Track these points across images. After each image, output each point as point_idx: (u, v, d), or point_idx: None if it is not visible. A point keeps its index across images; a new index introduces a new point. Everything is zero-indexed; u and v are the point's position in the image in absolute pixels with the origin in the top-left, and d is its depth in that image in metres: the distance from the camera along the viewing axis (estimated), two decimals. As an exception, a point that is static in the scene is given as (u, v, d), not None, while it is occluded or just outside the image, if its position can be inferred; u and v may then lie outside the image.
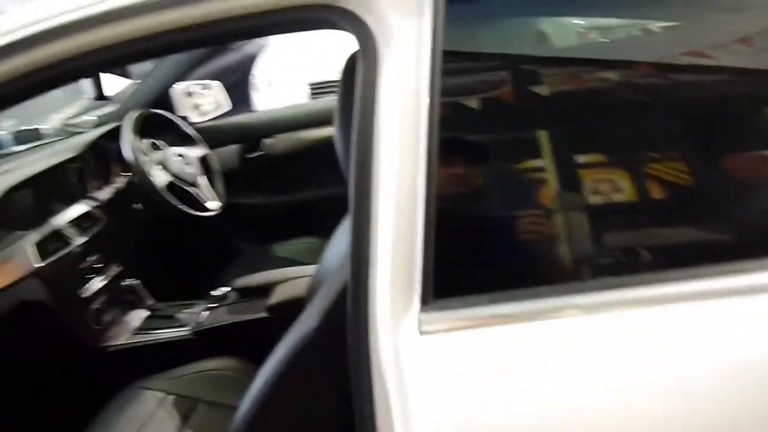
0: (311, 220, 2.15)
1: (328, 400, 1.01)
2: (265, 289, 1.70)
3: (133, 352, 1.75)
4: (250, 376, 1.10)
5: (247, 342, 1.62)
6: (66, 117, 2.70)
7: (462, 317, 0.79)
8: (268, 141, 2.43)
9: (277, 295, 1.63)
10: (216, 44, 1.19)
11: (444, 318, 0.79)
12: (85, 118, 2.33)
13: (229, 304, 1.75)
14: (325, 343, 0.93)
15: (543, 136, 0.88)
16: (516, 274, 0.86)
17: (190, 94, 2.70)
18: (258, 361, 1.09)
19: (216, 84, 2.66)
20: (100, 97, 1.39)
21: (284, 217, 2.48)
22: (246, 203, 2.46)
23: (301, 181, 2.47)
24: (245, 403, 1.04)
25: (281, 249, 2.26)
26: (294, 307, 1.13)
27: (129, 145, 1.90)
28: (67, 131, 2.25)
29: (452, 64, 0.82)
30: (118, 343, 1.77)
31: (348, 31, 0.85)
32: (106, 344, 1.76)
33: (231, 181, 2.31)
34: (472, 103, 0.89)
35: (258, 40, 6.30)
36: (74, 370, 1.74)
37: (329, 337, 0.92)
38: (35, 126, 4.90)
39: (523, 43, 0.93)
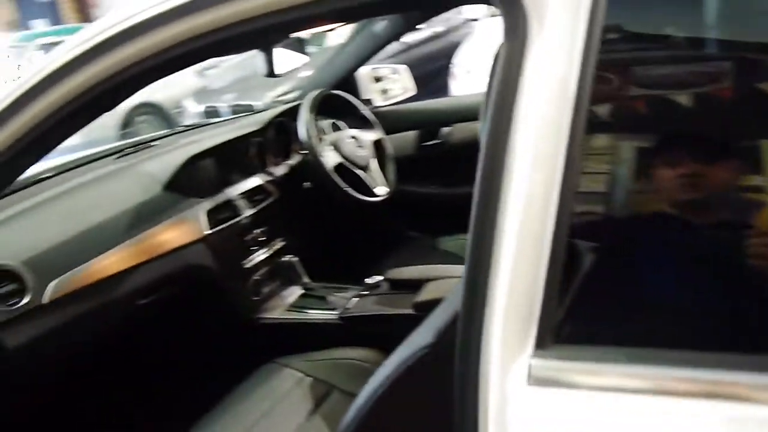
0: None
1: (435, 416, 0.90)
2: (417, 284, 1.62)
3: (281, 328, 1.77)
4: None
5: (389, 335, 1.56)
6: (276, 95, 2.86)
7: (587, 371, 0.63)
8: (445, 130, 2.33)
9: (426, 293, 1.54)
10: (360, 19, 1.12)
11: (564, 368, 0.63)
12: (290, 96, 2.43)
13: (379, 294, 1.70)
14: (438, 362, 0.82)
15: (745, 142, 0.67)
16: (681, 328, 0.66)
17: (378, 78, 2.70)
18: None
19: (403, 68, 2.63)
20: (271, 74, 1.41)
21: (455, 210, 2.37)
22: (416, 192, 2.39)
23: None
24: (359, 400, 0.97)
25: (447, 243, 2.17)
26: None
27: (304, 123, 1.92)
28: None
29: (617, 50, 0.66)
30: (271, 316, 1.80)
31: (494, 3, 0.72)
32: (260, 316, 1.81)
33: (404, 168, 2.25)
34: (638, 99, 0.70)
35: (464, 29, 6.27)
36: (224, 337, 1.81)
37: (441, 357, 0.81)
38: (249, 102, 5.34)
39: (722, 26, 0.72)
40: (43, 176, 1.75)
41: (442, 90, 5.33)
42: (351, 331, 1.66)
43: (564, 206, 0.63)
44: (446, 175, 2.38)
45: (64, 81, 0.88)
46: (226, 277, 1.75)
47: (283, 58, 1.90)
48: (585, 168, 0.66)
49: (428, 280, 1.60)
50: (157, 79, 0.97)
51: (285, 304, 1.84)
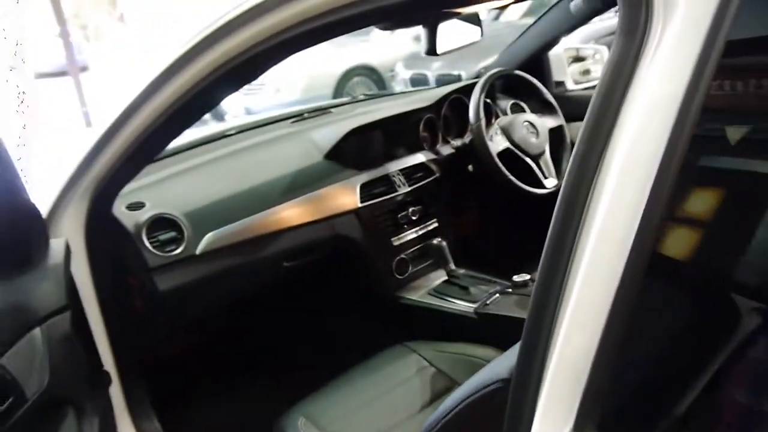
0: None
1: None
2: None
3: (418, 311, 1.74)
4: None
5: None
6: (483, 66, 2.79)
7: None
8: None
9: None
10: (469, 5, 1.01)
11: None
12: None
13: (522, 295, 1.59)
14: (506, 400, 0.74)
15: None
16: None
17: (579, 59, 2.51)
18: None
19: (603, 49, 2.41)
20: (432, 52, 1.34)
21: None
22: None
23: None
24: (431, 419, 0.91)
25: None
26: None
27: (475, 103, 1.83)
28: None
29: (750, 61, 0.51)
30: (411, 297, 1.78)
31: None
32: (400, 295, 1.80)
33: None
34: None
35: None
36: (361, 310, 1.83)
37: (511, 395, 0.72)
38: (457, 72, 5.28)
39: None
40: (227, 134, 1.89)
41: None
42: (484, 328, 1.58)
43: (638, 253, 0.51)
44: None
45: (217, 45, 0.91)
46: (373, 252, 1.76)
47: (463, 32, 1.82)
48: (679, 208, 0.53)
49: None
50: (310, 45, 0.96)
51: (426, 288, 1.81)
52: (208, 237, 1.47)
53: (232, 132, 1.91)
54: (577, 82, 2.39)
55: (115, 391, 1.33)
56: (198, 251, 1.46)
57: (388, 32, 6.57)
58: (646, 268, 0.55)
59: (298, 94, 6.11)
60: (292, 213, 1.60)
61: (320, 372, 1.53)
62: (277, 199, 1.60)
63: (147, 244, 1.40)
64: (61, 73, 9.50)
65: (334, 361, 1.51)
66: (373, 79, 6.63)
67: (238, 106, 6.40)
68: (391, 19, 1.13)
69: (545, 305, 0.61)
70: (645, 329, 0.60)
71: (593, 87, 2.26)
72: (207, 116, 7.05)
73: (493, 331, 1.56)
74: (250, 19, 0.85)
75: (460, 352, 1.49)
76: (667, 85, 0.53)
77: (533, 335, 0.61)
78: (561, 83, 2.35)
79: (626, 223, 0.54)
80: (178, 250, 1.43)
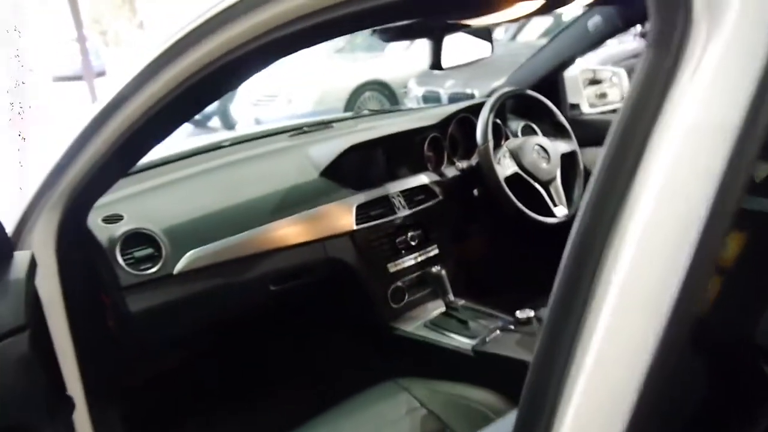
0: None
1: None
2: None
3: (412, 344, 1.62)
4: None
5: (521, 384, 1.35)
6: (497, 86, 2.69)
7: None
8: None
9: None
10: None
11: None
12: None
13: (525, 334, 1.46)
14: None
15: None
16: None
17: (595, 81, 2.40)
18: None
19: (622, 72, 2.29)
20: (436, 66, 1.24)
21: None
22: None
23: None
24: None
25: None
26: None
27: (483, 124, 1.73)
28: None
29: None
30: (405, 329, 1.66)
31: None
32: (393, 325, 1.68)
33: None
34: None
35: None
36: (352, 340, 1.71)
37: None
38: (470, 90, 5.19)
39: None
40: (221, 145, 1.80)
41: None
42: (482, 367, 1.46)
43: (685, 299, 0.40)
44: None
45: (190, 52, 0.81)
46: (367, 278, 1.65)
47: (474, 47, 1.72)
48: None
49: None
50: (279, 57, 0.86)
51: (423, 319, 1.68)
52: (189, 255, 1.37)
53: (227, 144, 1.82)
54: (592, 106, 2.28)
55: (81, 418, 1.22)
56: (176, 270, 1.35)
57: (403, 48, 6.50)
58: (689, 335, 0.43)
59: (310, 106, 6.05)
60: (281, 233, 1.50)
61: (303, 404, 1.41)
62: (266, 218, 1.49)
63: (120, 260, 1.30)
64: (79, 77, 9.56)
65: (319, 392, 1.39)
66: (385, 94, 6.55)
67: (249, 117, 6.36)
68: (388, 28, 1.02)
69: (552, 365, 0.50)
70: (685, 405, 0.49)
71: (610, 111, 2.19)
72: (218, 125, 7.04)
73: (491, 372, 1.44)
74: (237, 16, 0.74)
75: (454, 393, 1.37)
76: (715, 109, 0.42)
77: (537, 398, 0.49)
78: (576, 106, 2.24)
79: (662, 278, 0.43)
80: (154, 269, 1.33)
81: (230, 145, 1.82)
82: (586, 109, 2.23)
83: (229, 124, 7.12)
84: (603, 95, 2.46)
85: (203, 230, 1.42)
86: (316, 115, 2.01)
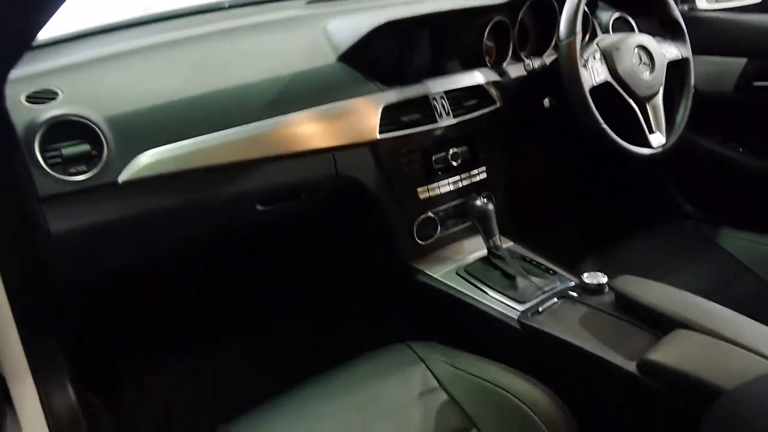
0: None
1: None
2: (656, 318, 0.97)
3: (438, 296, 1.24)
4: None
5: (583, 382, 0.98)
6: None
7: None
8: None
9: (662, 351, 0.89)
10: None
11: None
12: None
13: (592, 308, 1.06)
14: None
15: None
16: None
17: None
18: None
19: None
20: None
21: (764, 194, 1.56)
22: (714, 152, 1.60)
23: None
24: None
25: (732, 239, 1.41)
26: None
27: (571, 9, 1.25)
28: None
29: None
30: (432, 275, 1.27)
31: None
32: (418, 268, 1.29)
33: (707, 112, 1.47)
34: None
35: None
36: (362, 282, 1.34)
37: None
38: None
39: None
40: (219, 6, 1.36)
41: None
42: (528, 346, 1.08)
43: None
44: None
45: None
46: (388, 204, 1.25)
47: None
48: None
49: (677, 322, 0.93)
50: None
51: (455, 264, 1.29)
52: (143, 158, 0.98)
53: (226, 4, 1.38)
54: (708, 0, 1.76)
55: (12, 354, 0.90)
56: (122, 178, 0.97)
57: None
58: None
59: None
60: (276, 135, 1.09)
61: (291, 360, 1.07)
62: (257, 113, 1.09)
63: (39, 158, 0.92)
64: None
65: (310, 346, 1.04)
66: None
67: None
68: None
69: None
70: None
71: (732, 9, 1.66)
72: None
73: (540, 356, 1.06)
74: None
75: (486, 377, 1.00)
76: None
77: None
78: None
79: None
80: (89, 174, 0.95)
81: (230, 7, 1.38)
82: (702, 3, 1.71)
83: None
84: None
85: (167, 124, 1.02)
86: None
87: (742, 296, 1.27)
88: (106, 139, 0.96)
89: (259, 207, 1.13)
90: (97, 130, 0.95)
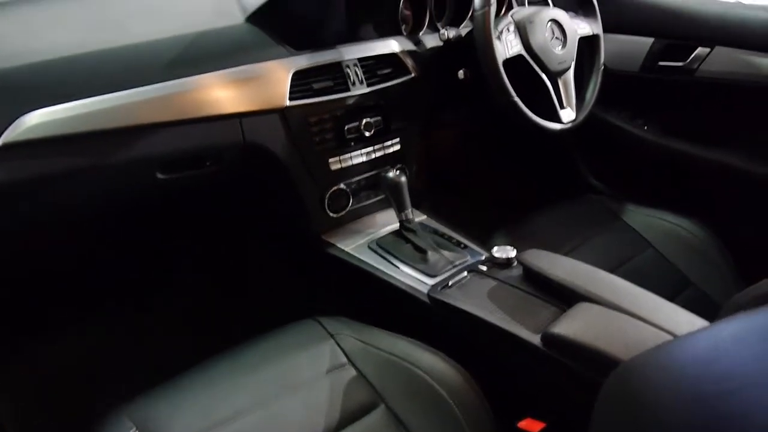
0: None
1: None
2: (562, 291, 0.98)
3: (348, 269, 1.22)
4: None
5: (490, 356, 0.99)
6: None
7: None
8: (701, 51, 1.51)
9: (566, 324, 0.90)
10: None
11: None
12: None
13: (501, 282, 1.07)
14: None
15: None
16: None
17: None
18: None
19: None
20: None
21: (671, 170, 1.61)
22: (621, 128, 1.64)
23: (730, 130, 1.54)
24: None
25: (636, 214, 1.45)
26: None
27: (486, -18, 1.23)
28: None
29: None
30: (343, 248, 1.25)
31: None
32: (328, 241, 1.27)
33: (616, 90, 1.50)
34: None
35: None
36: (269, 254, 1.29)
37: None
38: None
39: None
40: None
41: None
42: (437, 320, 1.08)
43: None
44: (681, 116, 1.60)
45: None
46: (298, 174, 1.21)
47: None
48: None
49: (580, 296, 0.95)
50: None
51: (367, 237, 1.27)
52: (28, 119, 0.89)
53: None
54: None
55: None
56: (2, 140, 0.88)
57: None
58: None
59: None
60: (178, 98, 1.02)
61: (192, 336, 1.02)
62: (157, 73, 1.01)
63: None
64: None
65: (213, 322, 0.99)
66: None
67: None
68: None
69: None
70: None
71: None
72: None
73: (449, 329, 1.06)
74: None
75: (395, 352, 0.99)
76: None
77: None
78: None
79: None
80: None
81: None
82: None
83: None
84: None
85: (57, 82, 0.93)
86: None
87: (642, 270, 1.31)
88: None
89: (159, 175, 1.06)
90: None
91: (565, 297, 0.98)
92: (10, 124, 0.88)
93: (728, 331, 0.54)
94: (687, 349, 0.56)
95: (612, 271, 1.25)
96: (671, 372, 0.50)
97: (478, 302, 1.02)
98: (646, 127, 1.66)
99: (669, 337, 0.83)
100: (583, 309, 0.93)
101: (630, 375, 0.63)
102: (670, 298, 1.20)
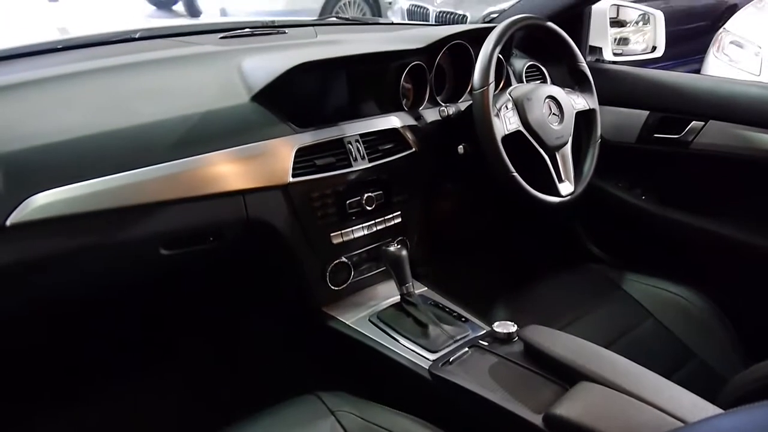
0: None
1: None
2: (563, 370, 0.98)
3: (349, 343, 1.22)
4: None
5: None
6: (492, 11, 2.19)
7: None
8: (696, 124, 1.54)
9: (567, 406, 0.89)
10: None
11: None
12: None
13: (502, 358, 1.07)
14: None
15: None
16: None
17: (620, 23, 1.96)
18: None
19: (659, 15, 1.85)
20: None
21: (671, 240, 1.63)
22: (623, 200, 1.66)
23: (726, 201, 1.56)
24: None
25: (635, 282, 1.46)
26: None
27: (485, 58, 1.27)
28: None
29: None
30: (344, 321, 1.25)
31: None
32: (329, 314, 1.27)
33: (613, 160, 1.54)
34: None
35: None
36: (266, 330, 1.30)
37: None
38: (462, 12, 4.60)
39: None
40: (130, 36, 1.31)
41: (695, 59, 4.26)
42: (438, 397, 1.07)
43: None
44: (678, 187, 1.63)
45: None
46: (300, 249, 1.22)
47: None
48: None
49: (582, 375, 0.95)
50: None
51: (368, 310, 1.28)
52: (36, 199, 0.91)
53: (136, 35, 1.33)
54: (615, 53, 1.85)
55: None
56: (10, 221, 0.90)
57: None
58: None
59: (281, 3, 5.36)
60: (183, 177, 1.04)
61: (196, 411, 1.01)
62: (163, 153, 1.03)
63: None
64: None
65: (214, 396, 0.98)
66: (368, 3, 5.88)
67: (215, 6, 5.64)
68: None
69: None
70: None
71: (630, 63, 1.74)
72: (181, 9, 6.29)
73: (450, 406, 1.05)
74: None
75: (396, 430, 0.98)
76: None
77: None
78: (597, 50, 1.79)
79: None
80: None
81: (140, 38, 1.33)
82: (608, 55, 1.79)
83: (194, 11, 6.36)
84: (624, 41, 2.03)
85: (63, 163, 0.95)
86: (287, 15, 1.50)
87: (643, 341, 1.31)
88: None
89: (163, 251, 1.07)
90: None
91: (566, 375, 0.97)
92: (18, 205, 0.90)
93: (733, 425, 0.54)
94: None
95: (612, 342, 1.25)
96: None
97: (479, 379, 1.02)
98: (643, 197, 1.68)
99: (672, 422, 0.82)
100: (585, 389, 0.92)
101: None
102: (672, 370, 1.19)
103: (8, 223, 0.89)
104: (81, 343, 1.35)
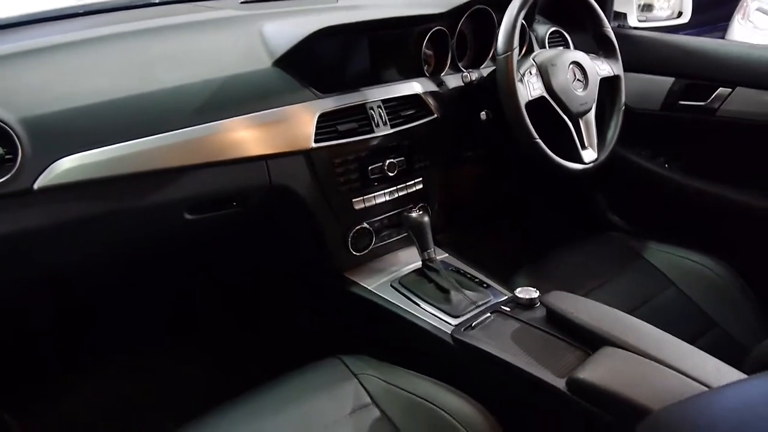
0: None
1: None
2: (585, 335, 0.98)
3: (371, 307, 1.23)
4: None
5: (515, 399, 0.98)
6: None
7: None
8: (723, 91, 1.52)
9: (591, 370, 0.90)
10: None
11: None
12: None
13: (524, 323, 1.07)
14: None
15: None
16: None
17: (640, -15, 1.92)
18: None
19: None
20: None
21: (693, 208, 1.61)
22: (641, 167, 1.64)
23: (751, 170, 1.54)
24: None
25: (656, 251, 1.45)
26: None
27: (510, 23, 1.25)
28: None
29: None
30: (366, 287, 1.26)
31: None
32: (351, 279, 1.28)
33: (637, 128, 1.51)
34: None
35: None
36: (289, 296, 1.31)
37: None
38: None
39: None
40: (149, 1, 1.30)
41: (719, 26, 4.17)
42: (461, 362, 1.08)
43: None
44: (702, 155, 1.60)
45: None
46: (322, 215, 1.23)
47: None
48: None
49: (605, 340, 0.95)
50: None
51: (390, 275, 1.28)
52: (63, 163, 0.92)
53: (157, 0, 1.33)
54: (639, 18, 1.81)
55: None
56: (37, 184, 0.91)
57: None
58: None
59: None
60: (207, 142, 1.05)
61: (223, 372, 1.03)
62: (187, 118, 1.04)
63: None
64: None
65: (245, 359, 1.00)
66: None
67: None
68: None
69: None
70: None
71: (653, 28, 1.71)
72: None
73: (472, 371, 1.06)
74: None
75: (418, 392, 0.99)
76: None
77: None
78: (622, 15, 1.76)
79: None
80: (3, 178, 0.88)
81: (160, 3, 1.32)
82: (633, 21, 1.76)
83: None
84: (648, 6, 1.98)
85: (88, 127, 0.96)
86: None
87: (665, 309, 1.31)
88: (21, 143, 0.89)
89: (187, 216, 1.08)
90: (11, 132, 0.89)
91: (589, 340, 0.97)
92: (44, 169, 0.91)
93: (760, 390, 0.54)
94: (719, 405, 0.56)
95: (634, 310, 1.24)
96: (703, 428, 0.50)
97: (502, 344, 1.02)
98: (666, 165, 1.66)
99: (697, 387, 0.82)
100: (608, 354, 0.93)
101: (660, 427, 0.63)
102: (694, 338, 1.19)
103: (36, 186, 0.90)
104: (106, 313, 1.37)
